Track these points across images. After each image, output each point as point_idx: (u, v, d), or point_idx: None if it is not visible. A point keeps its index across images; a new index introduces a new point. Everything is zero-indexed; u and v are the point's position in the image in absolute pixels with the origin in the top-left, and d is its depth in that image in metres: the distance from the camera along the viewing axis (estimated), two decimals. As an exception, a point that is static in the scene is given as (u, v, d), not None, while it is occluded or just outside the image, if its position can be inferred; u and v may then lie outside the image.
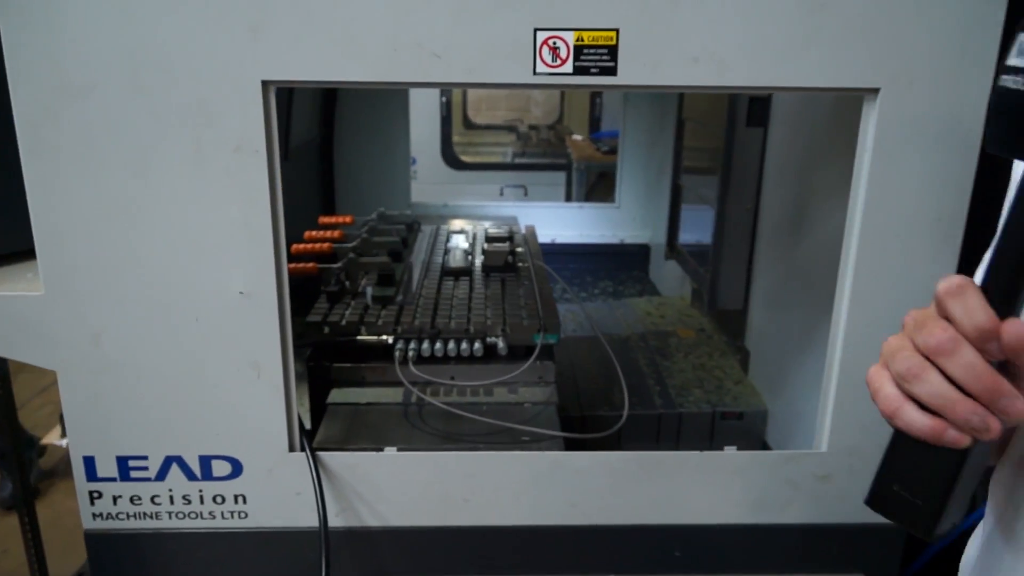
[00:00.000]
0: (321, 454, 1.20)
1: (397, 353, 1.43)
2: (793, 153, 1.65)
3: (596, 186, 4.71)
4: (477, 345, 1.44)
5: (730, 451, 1.22)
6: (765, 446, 1.73)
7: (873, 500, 0.69)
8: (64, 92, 1.01)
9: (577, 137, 5.33)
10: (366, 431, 1.35)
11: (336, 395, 1.46)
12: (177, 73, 1.01)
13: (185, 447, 1.19)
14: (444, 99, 5.02)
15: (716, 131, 1.83)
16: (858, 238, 1.10)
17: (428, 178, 4.94)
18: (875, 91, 1.05)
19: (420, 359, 1.44)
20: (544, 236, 2.52)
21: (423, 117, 4.86)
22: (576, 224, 2.89)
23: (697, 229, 2.12)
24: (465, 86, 1.13)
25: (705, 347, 2.05)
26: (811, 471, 1.21)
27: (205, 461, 1.19)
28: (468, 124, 5.93)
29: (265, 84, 1.02)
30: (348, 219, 2.11)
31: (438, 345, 1.44)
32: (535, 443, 1.30)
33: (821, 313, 1.46)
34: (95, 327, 1.11)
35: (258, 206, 1.07)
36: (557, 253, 2.72)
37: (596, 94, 5.39)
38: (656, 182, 2.72)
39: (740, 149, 1.74)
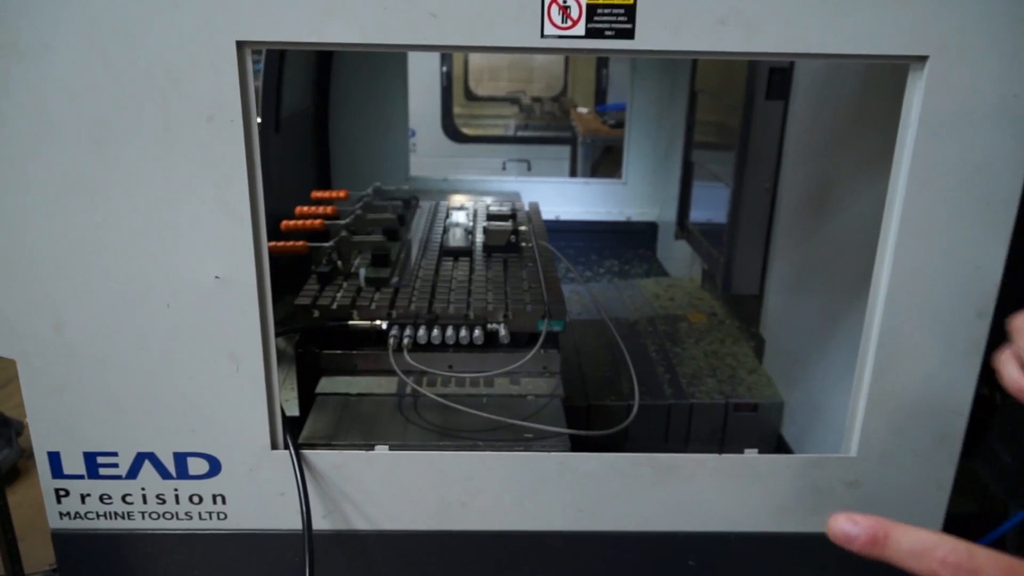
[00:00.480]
0: (306, 452, 1.12)
1: (391, 340, 1.35)
2: (816, 129, 1.55)
3: (602, 161, 4.59)
4: (477, 332, 1.35)
5: (751, 454, 1.12)
6: (781, 440, 1.65)
7: (977, 455, 0.75)
8: (14, 53, 0.91)
9: (582, 110, 5.19)
10: (356, 425, 1.27)
11: (325, 384, 1.37)
12: (141, 33, 0.91)
13: (158, 443, 1.10)
14: (445, 69, 4.89)
15: (732, 104, 1.73)
16: (898, 223, 1.00)
17: (428, 151, 4.83)
18: (923, 59, 0.94)
19: (416, 346, 1.35)
20: (548, 213, 2.43)
21: (423, 87, 4.75)
22: (581, 200, 2.81)
23: (710, 208, 2.02)
24: (464, 49, 1.02)
25: (717, 333, 1.95)
26: (839, 477, 1.11)
27: (180, 459, 1.11)
28: (469, 95, 5.80)
29: (240, 45, 0.92)
30: (342, 194, 2.01)
31: (435, 331, 1.35)
32: (539, 440, 1.21)
33: (844, 301, 1.37)
34: (56, 313, 1.02)
35: (235, 182, 0.97)
36: (561, 230, 2.63)
37: (602, 64, 5.25)
38: (665, 157, 2.62)
39: (759, 124, 1.65)
